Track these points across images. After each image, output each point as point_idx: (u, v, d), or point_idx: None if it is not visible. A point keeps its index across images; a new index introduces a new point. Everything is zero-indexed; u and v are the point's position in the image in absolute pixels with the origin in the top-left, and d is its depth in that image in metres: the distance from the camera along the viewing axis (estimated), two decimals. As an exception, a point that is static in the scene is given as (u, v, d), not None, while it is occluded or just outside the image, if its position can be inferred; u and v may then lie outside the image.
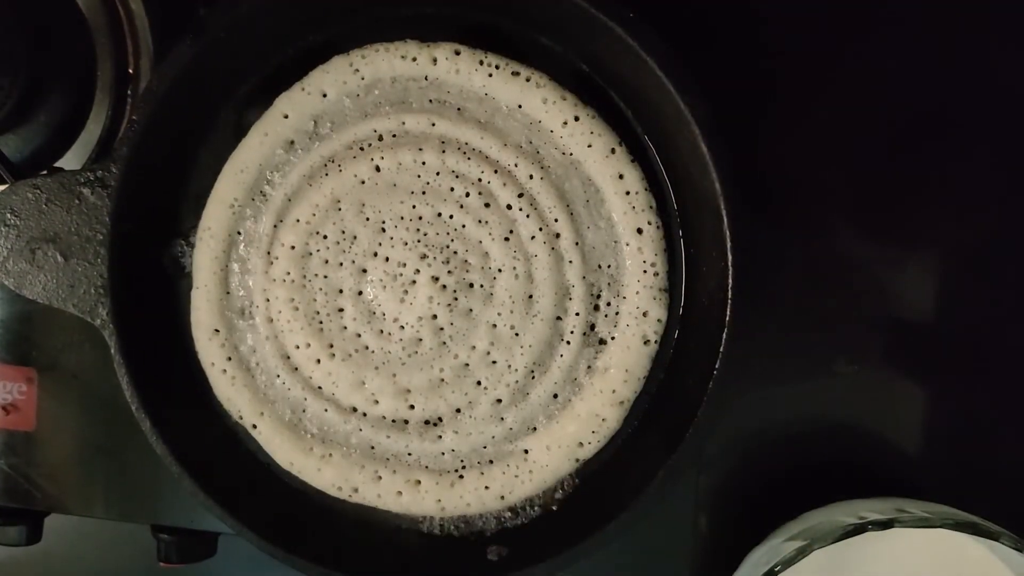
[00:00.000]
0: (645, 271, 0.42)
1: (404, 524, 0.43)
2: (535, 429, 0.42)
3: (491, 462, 0.42)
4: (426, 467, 0.43)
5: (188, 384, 0.43)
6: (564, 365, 0.42)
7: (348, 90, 0.42)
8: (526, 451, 0.42)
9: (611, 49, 0.39)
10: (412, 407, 0.42)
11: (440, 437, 0.42)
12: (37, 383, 0.48)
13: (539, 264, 0.42)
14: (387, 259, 0.42)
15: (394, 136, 0.42)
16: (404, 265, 0.42)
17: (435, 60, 0.42)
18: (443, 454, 0.42)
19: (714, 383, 0.39)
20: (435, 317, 0.42)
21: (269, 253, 0.42)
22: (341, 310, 0.42)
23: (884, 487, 0.47)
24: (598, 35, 0.39)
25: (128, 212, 0.40)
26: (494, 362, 0.42)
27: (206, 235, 0.43)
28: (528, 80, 0.41)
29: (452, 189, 0.42)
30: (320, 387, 0.43)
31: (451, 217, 0.42)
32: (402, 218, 0.42)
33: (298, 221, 0.42)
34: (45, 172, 0.44)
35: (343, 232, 0.42)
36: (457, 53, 0.41)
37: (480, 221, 0.42)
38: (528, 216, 0.42)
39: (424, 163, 0.42)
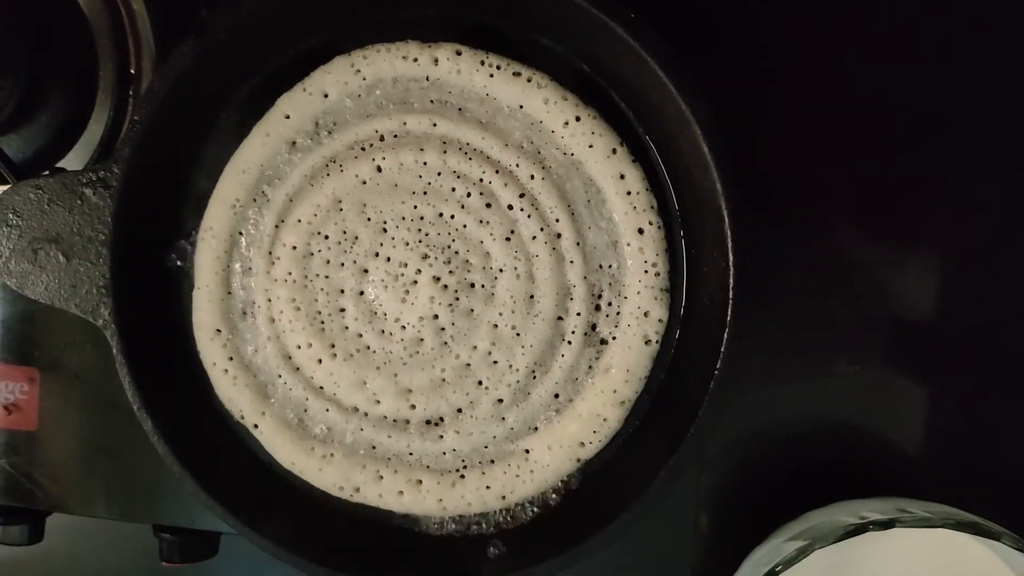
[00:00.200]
0: (646, 271, 0.42)
1: (405, 524, 0.43)
2: (536, 429, 0.42)
3: (492, 462, 0.42)
4: (427, 467, 0.43)
5: (190, 384, 0.43)
6: (565, 365, 0.42)
7: (349, 90, 0.42)
8: (527, 451, 0.42)
9: (612, 49, 0.39)
10: (413, 407, 0.42)
11: (441, 437, 0.42)
12: (39, 383, 0.48)
13: (540, 264, 0.42)
14: (388, 259, 0.42)
15: (395, 136, 0.42)
16: (405, 265, 0.42)
17: (436, 61, 0.42)
18: (444, 454, 0.42)
19: (715, 383, 0.39)
20: (436, 317, 0.42)
21: (271, 253, 0.43)
22: (343, 310, 0.42)
23: (885, 487, 0.47)
24: (599, 35, 0.39)
25: (130, 212, 0.40)
26: (495, 362, 0.42)
27: (208, 235, 0.43)
28: (529, 81, 0.41)
29: (453, 189, 0.42)
30: (322, 387, 0.43)
31: (452, 217, 0.42)
32: (403, 218, 0.42)
33: (300, 221, 0.42)
34: (47, 172, 0.45)
35: (344, 232, 0.42)
36: (458, 54, 0.41)
37: (481, 221, 0.42)
38: (529, 216, 0.42)
39: (425, 163, 0.42)
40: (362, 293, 0.42)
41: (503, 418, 0.42)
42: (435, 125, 0.42)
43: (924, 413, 0.49)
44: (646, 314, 0.42)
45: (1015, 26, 0.48)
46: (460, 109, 0.42)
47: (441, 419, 0.42)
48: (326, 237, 0.42)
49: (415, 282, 0.42)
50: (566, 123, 0.41)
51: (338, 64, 0.42)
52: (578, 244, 0.42)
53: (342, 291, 0.42)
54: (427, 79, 0.42)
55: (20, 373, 0.48)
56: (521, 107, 0.42)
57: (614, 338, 0.42)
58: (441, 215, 0.42)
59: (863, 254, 0.49)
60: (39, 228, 0.40)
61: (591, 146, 0.41)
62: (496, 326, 0.42)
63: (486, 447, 0.42)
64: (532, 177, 0.42)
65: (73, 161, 0.47)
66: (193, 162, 0.43)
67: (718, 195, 0.38)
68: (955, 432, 0.49)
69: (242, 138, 0.42)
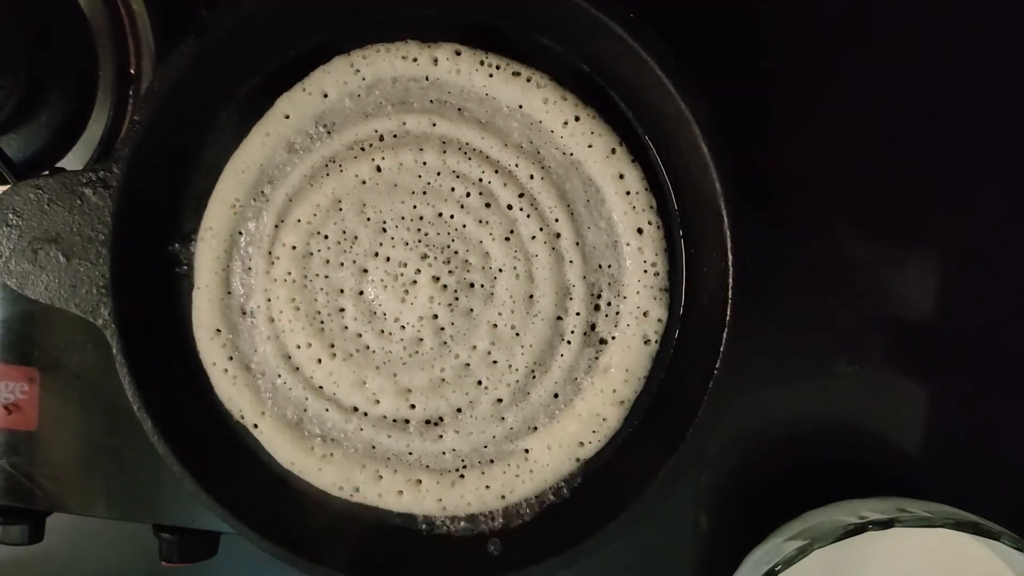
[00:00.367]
0: (645, 271, 0.42)
1: (405, 524, 0.43)
2: (536, 429, 0.42)
3: (492, 461, 0.42)
4: (427, 466, 0.43)
5: (189, 384, 0.43)
6: (565, 365, 0.42)
7: (349, 90, 0.42)
8: (527, 451, 0.42)
9: (612, 49, 0.39)
10: (413, 407, 0.42)
11: (441, 437, 0.42)
12: (39, 383, 0.48)
13: (540, 264, 0.42)
14: (388, 259, 0.42)
15: (395, 136, 0.42)
16: (405, 265, 0.42)
17: (436, 60, 0.42)
18: (444, 453, 0.43)
19: (715, 383, 0.39)
20: (436, 317, 0.42)
21: (270, 253, 0.43)
22: (342, 310, 0.42)
23: (884, 487, 0.47)
24: (599, 35, 0.39)
25: (130, 212, 0.40)
26: (495, 362, 0.42)
27: (207, 235, 0.43)
28: (529, 80, 0.41)
29: (453, 189, 0.42)
30: (321, 387, 0.43)
31: (452, 217, 0.42)
32: (403, 218, 0.42)
33: (299, 221, 0.42)
34: (47, 172, 0.45)
35: (344, 232, 0.42)
36: (458, 53, 0.41)
37: (481, 221, 0.42)
38: (529, 216, 0.42)
39: (425, 163, 0.42)
40: (361, 293, 0.42)
41: (502, 418, 0.42)
42: (434, 125, 0.42)
43: (924, 413, 0.49)
44: (645, 314, 0.42)
45: (1015, 26, 0.48)
46: (459, 109, 0.42)
47: (441, 419, 0.42)
48: (326, 237, 0.42)
49: (414, 282, 0.42)
50: (565, 123, 0.41)
51: (338, 64, 0.42)
52: (577, 244, 0.42)
53: (342, 291, 0.42)
54: (426, 79, 0.42)
55: (20, 373, 0.48)
56: (520, 107, 0.42)
57: (613, 338, 0.42)
58: (440, 215, 0.42)
59: (863, 254, 0.49)
60: (39, 228, 0.41)
61: (590, 146, 0.41)
62: (495, 326, 0.42)
63: (485, 447, 0.42)
64: (531, 177, 0.42)
65: (73, 161, 0.47)
66: (193, 162, 0.43)
67: (717, 195, 0.38)
68: (955, 432, 0.49)
69: (242, 138, 0.42)
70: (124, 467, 0.48)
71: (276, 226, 0.42)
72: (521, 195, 0.42)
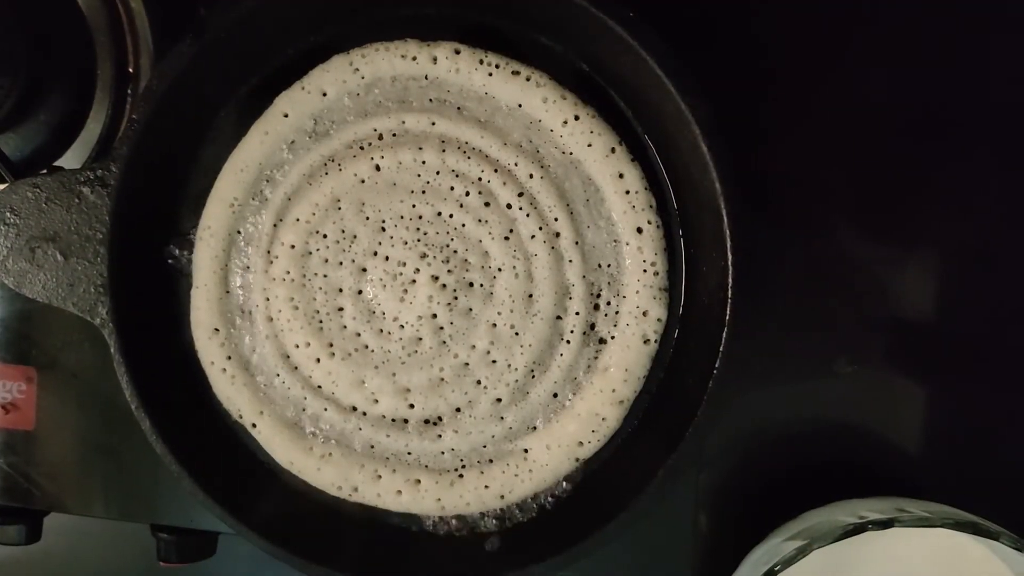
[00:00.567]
0: (645, 270, 0.42)
1: (404, 523, 0.43)
2: (535, 428, 0.42)
3: (491, 461, 0.42)
4: (426, 466, 0.43)
5: (188, 383, 0.43)
6: (564, 364, 0.42)
7: (348, 89, 0.42)
8: (526, 450, 0.42)
9: (611, 49, 0.39)
10: (412, 406, 0.42)
11: (440, 436, 0.42)
12: (37, 382, 0.48)
13: (539, 263, 0.42)
14: (387, 258, 0.42)
15: (394, 135, 0.42)
16: (404, 264, 0.42)
17: (435, 59, 0.42)
18: (443, 453, 0.42)
19: (714, 382, 0.39)
20: (435, 316, 0.42)
21: (269, 252, 0.42)
22: (341, 309, 0.42)
23: (884, 487, 0.47)
24: (598, 35, 0.39)
25: (128, 211, 0.40)
26: (494, 361, 0.42)
27: (206, 234, 0.43)
28: (528, 79, 0.41)
29: (452, 188, 0.42)
30: (320, 386, 0.43)
31: (451, 216, 0.42)
32: (402, 217, 0.42)
33: (298, 220, 0.42)
34: (45, 171, 0.44)
35: (343, 231, 0.42)
36: (457, 52, 0.41)
37: (480, 220, 0.42)
38: (528, 215, 0.42)
39: (424, 162, 0.42)
40: (360, 292, 0.42)
41: (502, 417, 0.42)
42: (434, 124, 0.42)
43: (924, 413, 0.49)
44: (645, 313, 0.42)
45: (1015, 26, 0.48)
46: (459, 108, 0.42)
47: (440, 418, 0.42)
48: (324, 236, 0.42)
49: (413, 281, 0.42)
50: (565, 122, 0.41)
51: (337, 63, 0.42)
52: (577, 243, 0.42)
53: (340, 290, 0.42)
54: (426, 78, 0.42)
55: (18, 372, 0.48)
56: (520, 106, 0.42)
57: (613, 337, 0.42)
58: (440, 214, 0.42)
59: (863, 254, 0.49)
60: (37, 227, 0.40)
61: (590, 145, 0.41)
62: (495, 325, 0.42)
63: (485, 446, 0.42)
64: (531, 176, 0.42)
65: (71, 160, 0.47)
66: (191, 161, 0.43)
67: (717, 194, 0.38)
68: (955, 432, 0.49)
69: (240, 137, 0.42)
70: (122, 467, 0.48)
71: (275, 225, 0.42)
72: (520, 194, 0.42)
